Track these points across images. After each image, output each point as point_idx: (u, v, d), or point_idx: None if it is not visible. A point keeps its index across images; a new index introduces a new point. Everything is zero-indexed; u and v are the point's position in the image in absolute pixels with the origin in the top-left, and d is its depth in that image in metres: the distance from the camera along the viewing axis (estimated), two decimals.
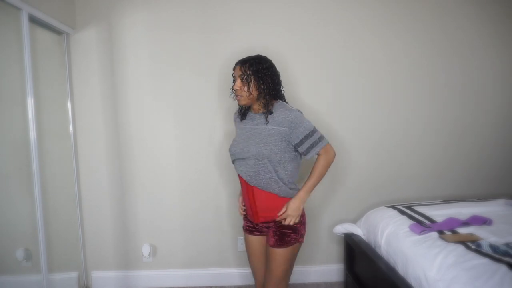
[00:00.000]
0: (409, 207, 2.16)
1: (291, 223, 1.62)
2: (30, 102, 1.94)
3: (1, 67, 2.02)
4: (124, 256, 2.60)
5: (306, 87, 2.47)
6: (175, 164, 2.53)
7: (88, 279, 2.61)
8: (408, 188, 2.59)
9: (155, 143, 2.51)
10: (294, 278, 2.60)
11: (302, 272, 2.61)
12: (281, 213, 1.63)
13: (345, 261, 2.30)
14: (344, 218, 2.56)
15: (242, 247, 2.59)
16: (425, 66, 2.50)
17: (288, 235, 1.65)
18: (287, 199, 1.65)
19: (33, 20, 1.99)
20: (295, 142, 1.61)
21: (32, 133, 1.95)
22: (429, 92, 2.53)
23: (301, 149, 1.62)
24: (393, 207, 2.18)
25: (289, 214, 1.62)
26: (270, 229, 1.69)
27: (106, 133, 2.49)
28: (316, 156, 1.66)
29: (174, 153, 2.52)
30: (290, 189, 1.66)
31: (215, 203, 2.56)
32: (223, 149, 2.49)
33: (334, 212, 2.58)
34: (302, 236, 1.70)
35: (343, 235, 2.30)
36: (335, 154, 1.67)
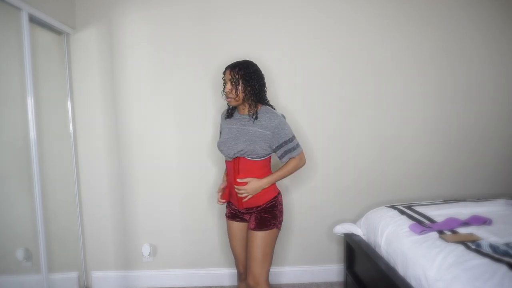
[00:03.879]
0: (409, 207, 2.16)
1: (243, 197, 1.79)
2: (30, 102, 1.94)
3: (1, 67, 2.02)
4: (124, 256, 2.60)
5: (306, 88, 2.47)
6: (175, 163, 2.53)
7: (88, 279, 2.61)
8: (408, 188, 2.59)
9: (155, 142, 2.51)
10: (294, 278, 2.60)
11: (302, 272, 2.61)
12: (242, 181, 1.78)
13: (345, 261, 2.30)
14: (344, 218, 2.56)
15: None
16: (426, 67, 2.50)
17: (268, 220, 1.80)
18: (267, 188, 1.82)
19: (33, 20, 1.99)
20: (274, 146, 1.78)
21: (32, 133, 1.95)
22: (429, 93, 2.53)
23: (278, 153, 1.80)
24: (393, 207, 2.18)
25: (246, 189, 1.78)
26: (252, 215, 1.84)
27: (106, 133, 2.49)
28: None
29: (174, 153, 2.52)
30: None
31: (215, 203, 2.56)
32: None
33: (334, 212, 2.58)
34: (280, 222, 1.85)
35: (343, 235, 2.30)
36: (305, 163, 1.87)
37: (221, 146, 1.86)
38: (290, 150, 1.78)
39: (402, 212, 2.06)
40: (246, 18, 2.43)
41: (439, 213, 2.03)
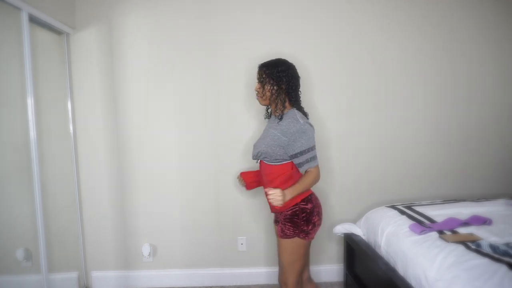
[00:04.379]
0: (409, 207, 2.16)
1: (274, 204, 1.60)
2: (30, 102, 1.94)
3: (1, 67, 2.01)
4: (124, 256, 2.60)
5: (306, 88, 2.47)
6: (175, 164, 2.53)
7: (88, 279, 2.61)
8: (408, 188, 2.59)
9: (155, 142, 2.51)
10: None
11: None
12: (271, 189, 1.60)
13: (345, 261, 2.30)
14: (344, 218, 2.56)
15: (242, 247, 2.59)
16: (426, 67, 2.50)
17: (288, 228, 1.73)
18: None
19: (33, 20, 1.99)
20: (291, 154, 1.68)
21: (32, 133, 1.95)
22: (430, 93, 2.53)
23: (295, 161, 1.69)
24: (393, 207, 2.18)
25: (275, 196, 1.58)
26: (281, 221, 1.79)
27: (106, 133, 2.49)
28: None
29: (174, 153, 2.52)
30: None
31: (215, 203, 2.56)
32: (224, 149, 2.50)
33: (334, 212, 2.58)
34: (305, 232, 1.72)
35: (343, 235, 2.30)
36: (318, 180, 1.74)
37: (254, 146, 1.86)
38: (305, 162, 1.67)
39: (402, 212, 2.06)
40: (246, 17, 2.43)
41: (439, 213, 2.03)
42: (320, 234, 2.60)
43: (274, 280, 2.58)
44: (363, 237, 2.15)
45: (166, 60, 2.45)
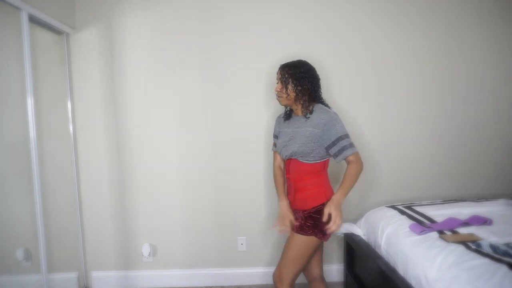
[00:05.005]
0: (409, 207, 2.16)
1: (336, 227, 1.63)
2: (30, 102, 1.94)
3: (1, 67, 2.02)
4: (124, 256, 2.60)
5: None
6: (175, 164, 2.53)
7: (88, 279, 2.61)
8: (408, 188, 2.59)
9: (155, 142, 2.51)
10: None
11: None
12: (325, 219, 1.65)
13: (345, 261, 2.30)
14: (344, 218, 2.55)
15: (242, 247, 2.59)
16: (426, 66, 2.50)
17: (307, 225, 1.73)
18: (316, 192, 1.75)
19: (33, 20, 1.99)
20: (327, 144, 1.69)
21: (32, 133, 1.95)
22: (430, 92, 2.52)
23: (332, 151, 1.69)
24: (393, 207, 2.18)
25: (335, 220, 1.62)
26: (300, 216, 1.78)
27: (106, 133, 2.49)
28: (346, 162, 1.71)
29: (174, 153, 2.52)
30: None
31: (215, 203, 2.56)
32: (224, 149, 2.50)
33: None
34: (322, 232, 1.72)
35: (343, 235, 2.30)
36: (363, 166, 1.70)
37: (280, 150, 1.83)
38: (343, 149, 1.66)
39: (402, 212, 2.06)
40: (246, 17, 2.42)
41: (439, 213, 2.03)
42: None
43: None
44: (363, 237, 2.15)
45: (166, 60, 2.45)
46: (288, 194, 1.88)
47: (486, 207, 2.08)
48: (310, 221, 1.73)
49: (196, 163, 2.52)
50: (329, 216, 1.64)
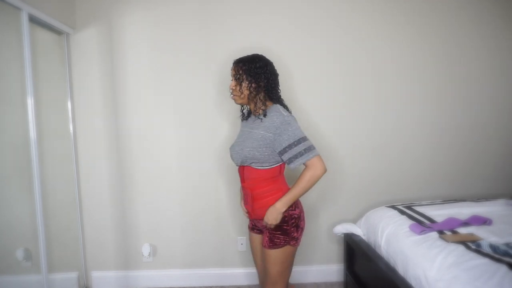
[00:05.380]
0: (409, 207, 2.16)
1: (272, 226, 1.63)
2: (30, 102, 1.94)
3: (1, 67, 2.02)
4: (124, 256, 2.60)
5: (304, 88, 2.47)
6: (175, 164, 2.53)
7: (88, 279, 2.61)
8: (408, 188, 2.59)
9: (156, 142, 2.51)
10: (294, 278, 2.60)
11: (302, 272, 2.61)
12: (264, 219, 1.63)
13: (345, 261, 2.30)
14: (344, 218, 2.56)
15: (242, 247, 2.59)
16: (425, 66, 2.50)
17: (278, 237, 1.63)
18: (275, 200, 1.62)
19: (33, 20, 1.99)
20: (278, 150, 1.56)
21: (32, 133, 1.95)
22: (430, 93, 2.53)
23: (284, 157, 1.56)
24: (393, 207, 2.18)
25: (266, 222, 1.62)
26: (266, 229, 1.67)
27: (106, 133, 2.49)
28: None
29: (174, 153, 2.52)
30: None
31: (215, 203, 2.56)
32: (224, 150, 2.50)
33: (334, 212, 2.58)
34: (295, 239, 1.66)
35: (343, 235, 2.30)
36: (324, 170, 1.56)
37: (230, 150, 1.73)
38: (297, 156, 1.53)
39: (402, 212, 2.06)
40: (246, 17, 2.42)
41: (439, 213, 2.03)
42: (320, 234, 2.61)
43: None
44: (363, 237, 2.15)
45: (166, 60, 2.44)
46: (245, 204, 1.76)
47: (486, 207, 2.08)
48: (278, 232, 1.63)
49: (196, 163, 2.52)
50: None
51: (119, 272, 2.61)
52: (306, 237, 2.60)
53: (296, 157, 1.54)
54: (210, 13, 2.42)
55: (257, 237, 1.81)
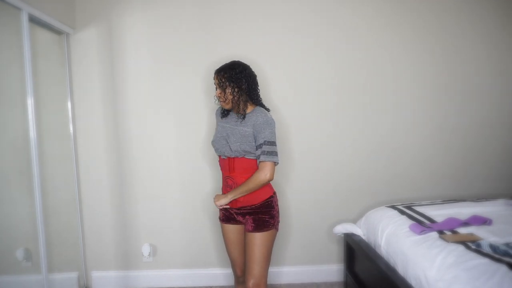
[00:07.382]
0: (409, 207, 2.16)
1: (217, 206, 1.83)
2: (30, 102, 1.94)
3: (1, 67, 2.02)
4: (124, 256, 2.60)
5: (305, 88, 2.47)
6: (175, 164, 2.53)
7: (88, 279, 2.61)
8: (408, 188, 2.59)
9: (155, 143, 2.51)
10: (294, 278, 2.60)
11: (302, 272, 2.61)
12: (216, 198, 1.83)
13: (345, 261, 2.30)
14: (344, 218, 2.56)
15: None
16: (424, 67, 2.50)
17: (267, 221, 1.78)
18: (264, 188, 1.78)
19: (33, 20, 1.99)
20: (256, 144, 1.73)
21: (32, 133, 1.95)
22: (429, 93, 2.53)
23: (257, 152, 1.73)
24: (393, 207, 2.18)
25: (215, 202, 1.82)
26: (250, 217, 1.79)
27: (106, 133, 2.49)
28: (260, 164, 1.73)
29: (174, 153, 2.52)
30: None
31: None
32: None
33: (334, 212, 2.58)
34: (278, 223, 1.84)
35: (343, 235, 2.30)
36: (271, 177, 1.71)
37: (215, 144, 1.86)
38: (263, 153, 1.69)
39: (402, 212, 2.06)
40: (245, 20, 2.43)
41: (439, 213, 2.02)
42: (320, 234, 2.61)
43: (274, 280, 2.58)
44: (363, 237, 2.15)
45: (166, 60, 2.45)
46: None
47: (486, 207, 2.08)
48: (266, 216, 1.78)
49: (196, 163, 2.52)
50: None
51: (119, 272, 2.61)
52: (306, 237, 2.60)
53: (261, 154, 1.70)
54: (210, 15, 2.42)
55: (235, 228, 1.90)
